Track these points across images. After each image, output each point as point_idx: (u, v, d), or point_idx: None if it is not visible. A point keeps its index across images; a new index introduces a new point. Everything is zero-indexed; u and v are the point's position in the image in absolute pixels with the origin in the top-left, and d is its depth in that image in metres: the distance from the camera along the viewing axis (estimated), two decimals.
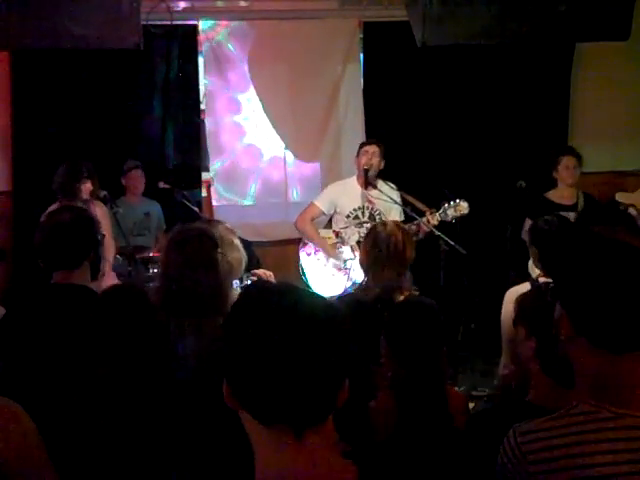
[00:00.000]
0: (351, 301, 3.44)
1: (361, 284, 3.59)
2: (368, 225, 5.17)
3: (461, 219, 4.88)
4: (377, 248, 3.37)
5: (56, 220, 2.79)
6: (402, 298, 3.23)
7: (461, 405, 2.55)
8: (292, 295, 1.17)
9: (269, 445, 1.14)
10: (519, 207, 5.37)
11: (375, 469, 1.21)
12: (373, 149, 5.14)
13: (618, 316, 1.42)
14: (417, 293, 3.51)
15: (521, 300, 2.24)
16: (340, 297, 3.77)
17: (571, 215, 5.26)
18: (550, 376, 1.90)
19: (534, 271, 5.36)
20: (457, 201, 4.85)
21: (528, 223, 5.48)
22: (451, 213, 4.84)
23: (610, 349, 1.42)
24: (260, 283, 1.24)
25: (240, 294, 1.22)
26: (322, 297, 1.22)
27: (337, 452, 1.17)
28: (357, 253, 5.13)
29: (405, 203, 5.13)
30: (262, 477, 1.14)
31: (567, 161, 5.43)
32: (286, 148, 6.43)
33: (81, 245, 2.76)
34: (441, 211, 4.85)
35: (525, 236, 5.52)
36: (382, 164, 5.18)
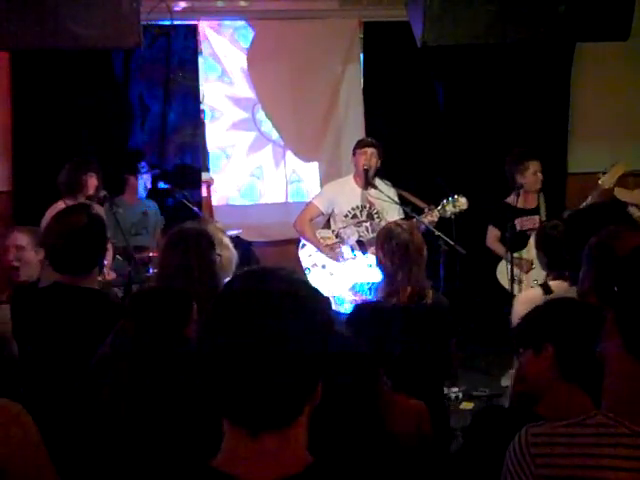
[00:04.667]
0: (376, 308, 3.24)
1: (380, 286, 3.54)
2: (367, 224, 5.16)
3: (461, 218, 4.87)
4: (402, 249, 3.36)
5: (71, 224, 2.70)
6: (430, 298, 3.36)
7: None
8: (265, 301, 1.14)
9: (231, 438, 1.16)
10: (481, 214, 5.27)
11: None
12: (371, 150, 5.13)
13: None
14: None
15: (532, 312, 2.16)
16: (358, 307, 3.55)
17: (536, 219, 5.20)
18: (573, 381, 1.86)
19: (502, 277, 5.27)
20: (455, 197, 4.84)
21: (492, 230, 5.40)
22: (450, 209, 4.83)
23: None
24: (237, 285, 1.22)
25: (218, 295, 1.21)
26: (304, 305, 1.16)
27: (299, 457, 1.16)
28: (357, 252, 5.13)
29: (403, 201, 5.12)
30: (222, 466, 1.15)
31: (535, 166, 5.21)
32: (286, 147, 6.44)
33: (95, 252, 2.73)
34: (440, 207, 4.84)
35: (490, 244, 5.42)
36: (379, 163, 5.18)
